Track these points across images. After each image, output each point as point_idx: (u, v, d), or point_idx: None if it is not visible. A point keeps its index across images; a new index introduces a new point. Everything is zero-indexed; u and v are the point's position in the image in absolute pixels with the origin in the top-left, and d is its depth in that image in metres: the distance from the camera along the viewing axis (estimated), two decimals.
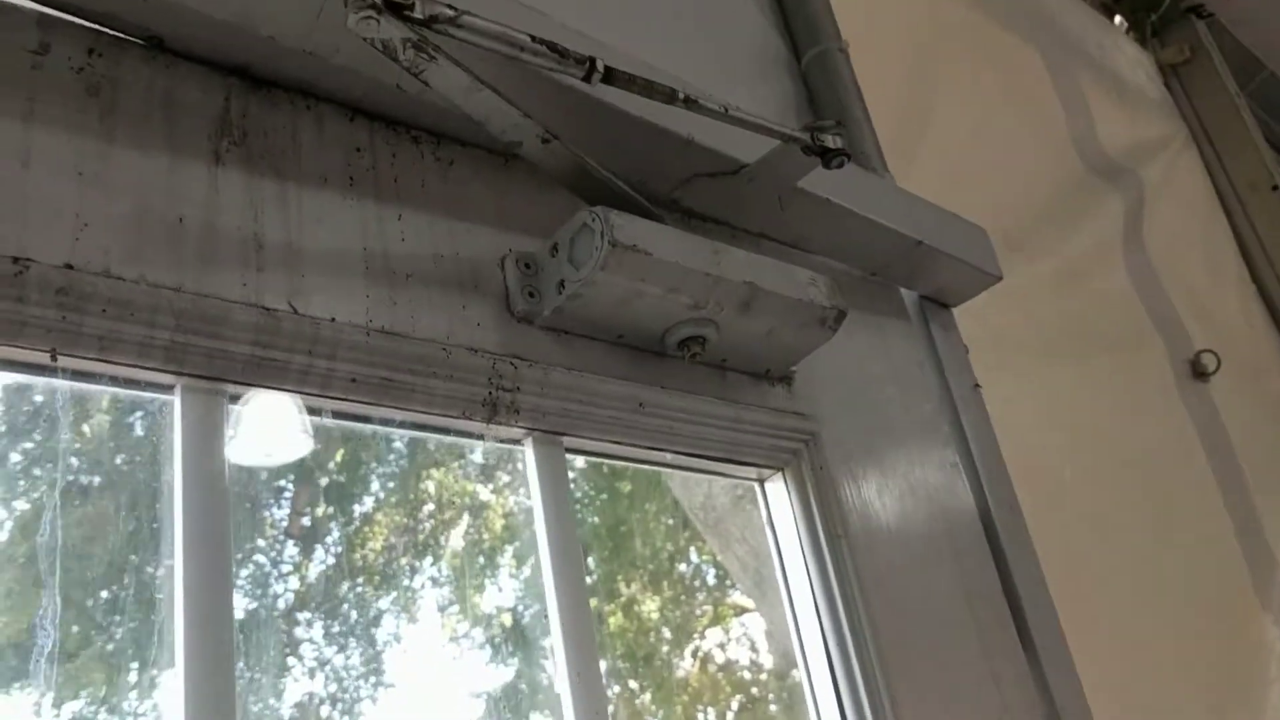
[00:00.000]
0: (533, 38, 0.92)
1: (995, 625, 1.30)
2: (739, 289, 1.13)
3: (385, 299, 1.00)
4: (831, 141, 1.14)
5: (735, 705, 1.55)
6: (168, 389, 0.85)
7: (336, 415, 0.96)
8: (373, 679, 1.03)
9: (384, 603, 1.07)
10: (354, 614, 1.05)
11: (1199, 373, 2.30)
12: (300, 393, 0.92)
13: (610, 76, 0.97)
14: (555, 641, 1.01)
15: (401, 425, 1.03)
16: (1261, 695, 1.77)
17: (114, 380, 0.82)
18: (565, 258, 1.08)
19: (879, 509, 1.29)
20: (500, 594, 1.19)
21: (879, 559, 1.24)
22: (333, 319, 0.93)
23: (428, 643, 1.07)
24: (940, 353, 1.46)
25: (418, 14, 0.86)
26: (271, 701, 0.90)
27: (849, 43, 1.67)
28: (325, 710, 0.98)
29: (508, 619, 1.14)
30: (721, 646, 1.59)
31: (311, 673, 0.98)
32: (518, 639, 1.13)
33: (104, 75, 0.90)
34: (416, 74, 0.90)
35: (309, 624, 1.00)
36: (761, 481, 1.29)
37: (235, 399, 0.88)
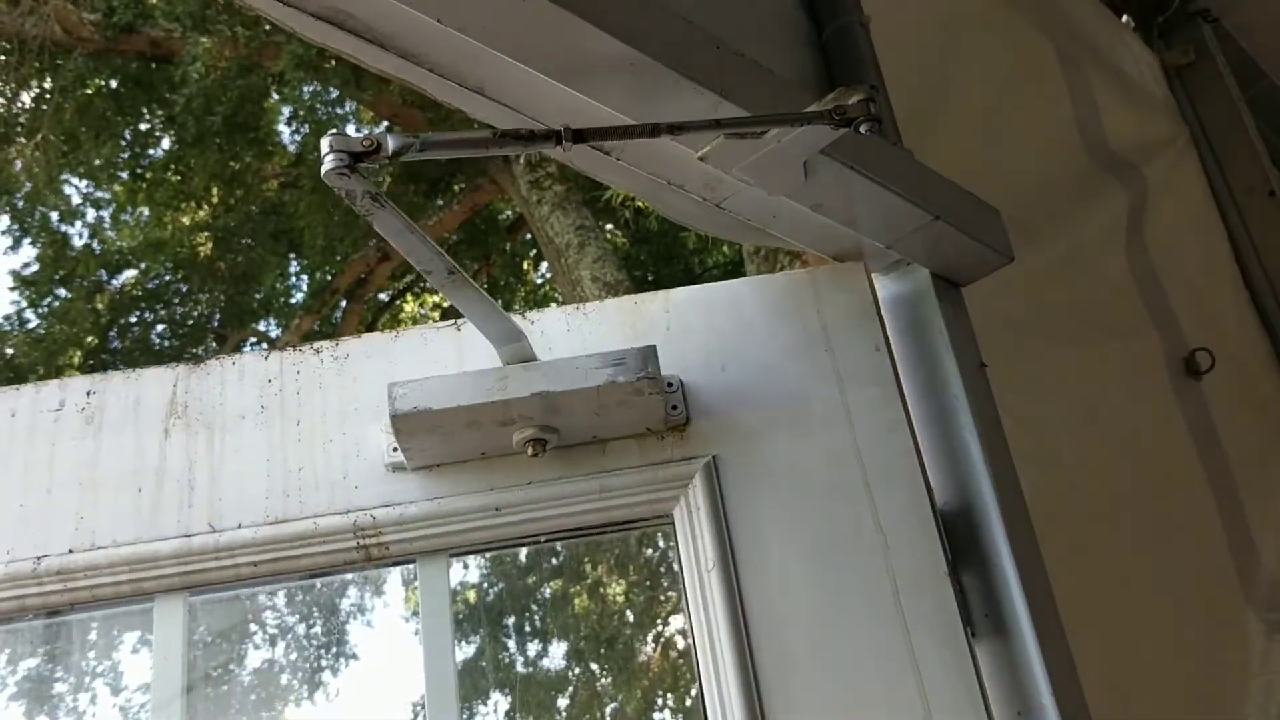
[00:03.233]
0: (497, 133, 1.02)
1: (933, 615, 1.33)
2: (532, 402, 1.29)
3: (279, 493, 1.38)
4: (860, 110, 1.14)
5: (695, 692, 1.59)
6: None
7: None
8: None
9: None
10: None
11: (1192, 370, 2.32)
12: None
13: (580, 137, 1.04)
14: None
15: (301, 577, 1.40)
16: (1243, 686, 1.79)
17: None
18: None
19: (783, 521, 1.36)
20: None
21: (771, 575, 1.33)
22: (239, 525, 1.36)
23: None
24: (948, 331, 1.46)
25: (387, 152, 0.99)
26: None
27: (870, 18, 1.67)
28: None
29: None
30: (683, 634, 1.61)
31: None
32: None
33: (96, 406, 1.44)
34: (367, 216, 1.05)
35: None
36: (661, 527, 1.42)
37: None
